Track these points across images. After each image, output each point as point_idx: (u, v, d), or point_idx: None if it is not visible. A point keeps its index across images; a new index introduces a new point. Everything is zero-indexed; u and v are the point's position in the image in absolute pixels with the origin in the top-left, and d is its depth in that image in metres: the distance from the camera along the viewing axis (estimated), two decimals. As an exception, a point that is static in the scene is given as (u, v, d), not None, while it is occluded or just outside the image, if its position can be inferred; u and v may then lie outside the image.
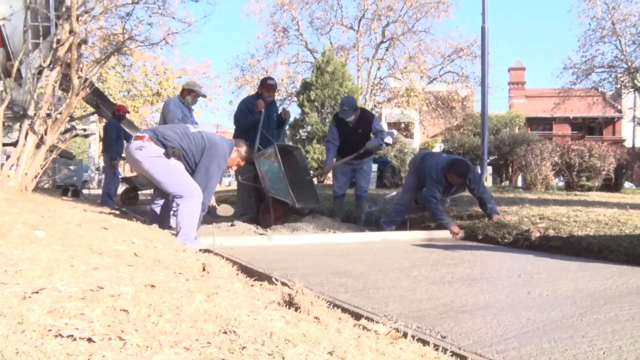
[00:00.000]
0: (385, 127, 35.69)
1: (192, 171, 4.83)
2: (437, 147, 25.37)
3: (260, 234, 5.67)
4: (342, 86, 21.14)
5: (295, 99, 26.49)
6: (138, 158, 4.60)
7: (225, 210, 5.56)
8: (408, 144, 17.58)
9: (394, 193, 7.98)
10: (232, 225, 6.17)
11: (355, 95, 21.20)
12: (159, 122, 7.14)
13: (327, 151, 7.30)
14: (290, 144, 14.72)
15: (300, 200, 6.43)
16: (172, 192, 4.65)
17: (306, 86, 22.16)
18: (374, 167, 12.22)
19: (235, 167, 5.38)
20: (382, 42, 30.09)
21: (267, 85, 7.06)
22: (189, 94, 7.02)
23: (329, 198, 7.78)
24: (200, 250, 4.14)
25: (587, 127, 40.87)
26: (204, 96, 7.45)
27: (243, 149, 5.24)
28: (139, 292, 1.82)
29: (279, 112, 7.33)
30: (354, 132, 7.02)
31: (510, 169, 17.79)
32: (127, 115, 11.43)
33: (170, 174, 4.62)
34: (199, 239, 4.64)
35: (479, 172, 12.05)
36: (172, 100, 7.03)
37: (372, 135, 7.15)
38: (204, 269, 2.86)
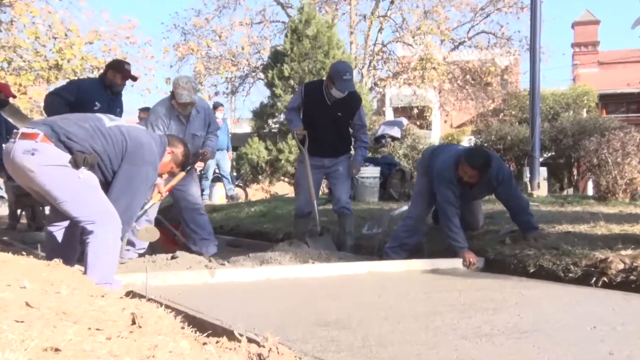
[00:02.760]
0: (390, 114, 35.42)
1: (107, 183, 4.70)
2: (466, 141, 25.11)
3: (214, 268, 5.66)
4: (328, 56, 21.06)
5: (261, 75, 26.44)
6: (28, 167, 4.32)
7: (148, 233, 5.48)
8: (424, 138, 17.42)
9: (404, 208, 7.95)
10: (172, 257, 6.15)
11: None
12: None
13: (290, 122, 7.39)
14: None
15: None
16: (78, 217, 4.46)
17: (277, 57, 22.09)
18: (376, 170, 12.21)
19: (166, 176, 5.29)
20: (385, -9, 30.23)
21: (124, 71, 7.51)
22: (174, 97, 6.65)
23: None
24: (127, 295, 4.12)
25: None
26: (193, 103, 6.68)
27: (180, 150, 5.17)
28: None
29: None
30: (331, 113, 6.96)
31: (575, 171, 17.83)
32: (11, 100, 11.21)
33: (78, 190, 4.44)
34: (120, 282, 4.56)
35: (527, 174, 12.11)
36: (159, 103, 6.86)
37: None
38: (133, 322, 2.85)
